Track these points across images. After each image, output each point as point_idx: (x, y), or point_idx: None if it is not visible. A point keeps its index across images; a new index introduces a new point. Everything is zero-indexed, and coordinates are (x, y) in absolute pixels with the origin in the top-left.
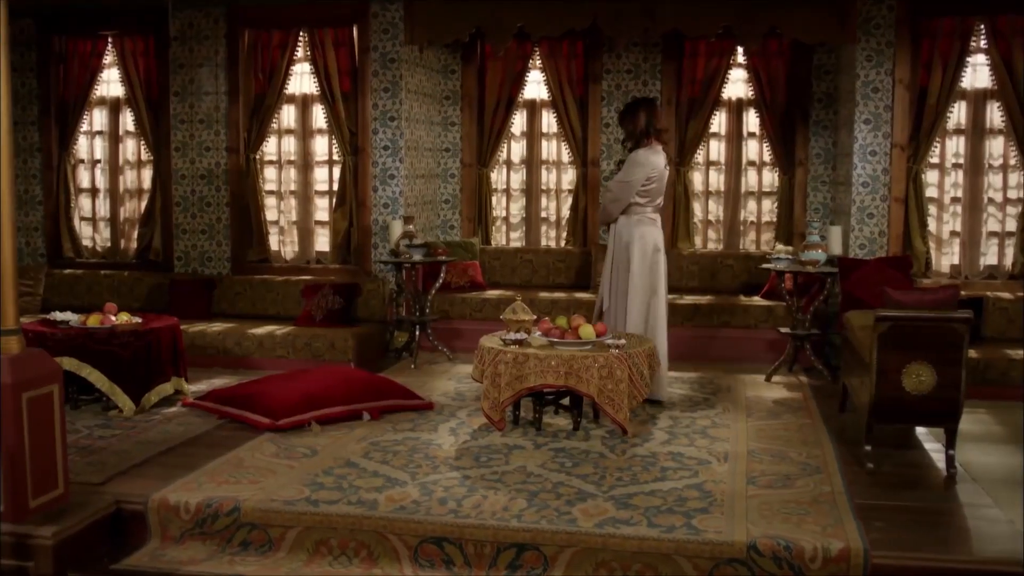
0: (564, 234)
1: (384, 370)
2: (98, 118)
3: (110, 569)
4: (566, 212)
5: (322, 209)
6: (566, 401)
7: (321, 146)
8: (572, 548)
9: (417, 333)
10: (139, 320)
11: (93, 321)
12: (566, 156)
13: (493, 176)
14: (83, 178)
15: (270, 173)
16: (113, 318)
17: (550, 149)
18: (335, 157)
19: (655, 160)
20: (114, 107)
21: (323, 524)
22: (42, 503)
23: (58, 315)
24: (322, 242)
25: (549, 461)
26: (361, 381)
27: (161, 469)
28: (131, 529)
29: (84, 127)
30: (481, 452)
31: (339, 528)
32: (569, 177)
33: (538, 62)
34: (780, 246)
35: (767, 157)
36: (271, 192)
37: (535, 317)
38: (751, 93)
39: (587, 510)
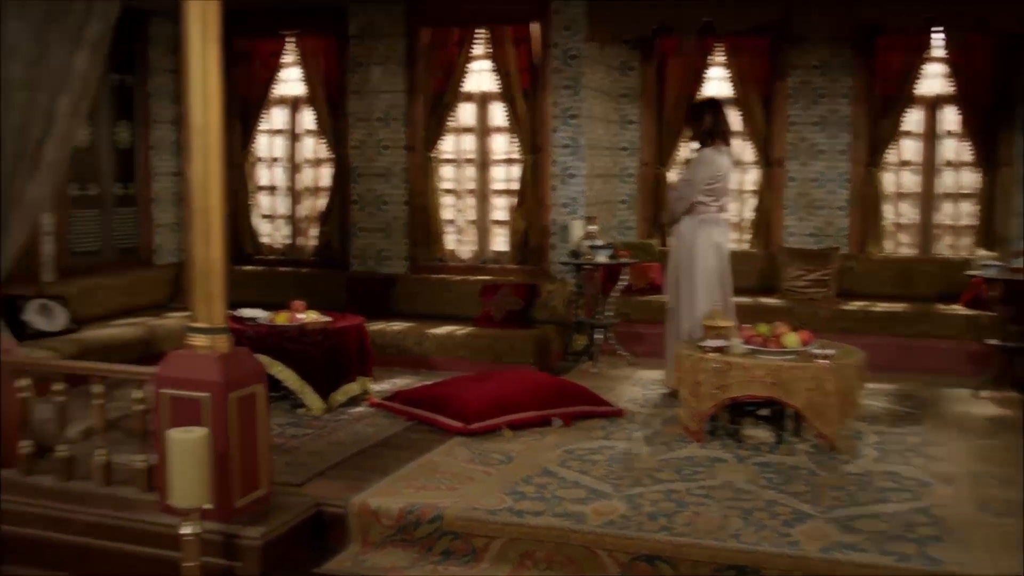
0: (747, 236)
1: (564, 374)
2: (278, 117)
3: (312, 573)
4: (748, 213)
5: (500, 208)
6: (765, 412)
7: (499, 144)
8: (797, 573)
9: (597, 336)
10: (329, 319)
11: (281, 319)
12: (749, 155)
13: (671, 176)
14: (262, 176)
15: (447, 171)
16: (302, 316)
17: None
18: (514, 155)
19: (720, 160)
20: (293, 106)
21: (528, 536)
22: (247, 503)
23: (246, 312)
24: (499, 242)
25: (756, 476)
26: (550, 386)
27: (356, 471)
28: (331, 532)
29: (264, 126)
30: (682, 464)
31: (545, 541)
32: (752, 177)
33: (720, 58)
34: (982, 251)
35: (966, 157)
36: (448, 191)
37: (735, 323)
38: (950, 88)
39: (808, 532)
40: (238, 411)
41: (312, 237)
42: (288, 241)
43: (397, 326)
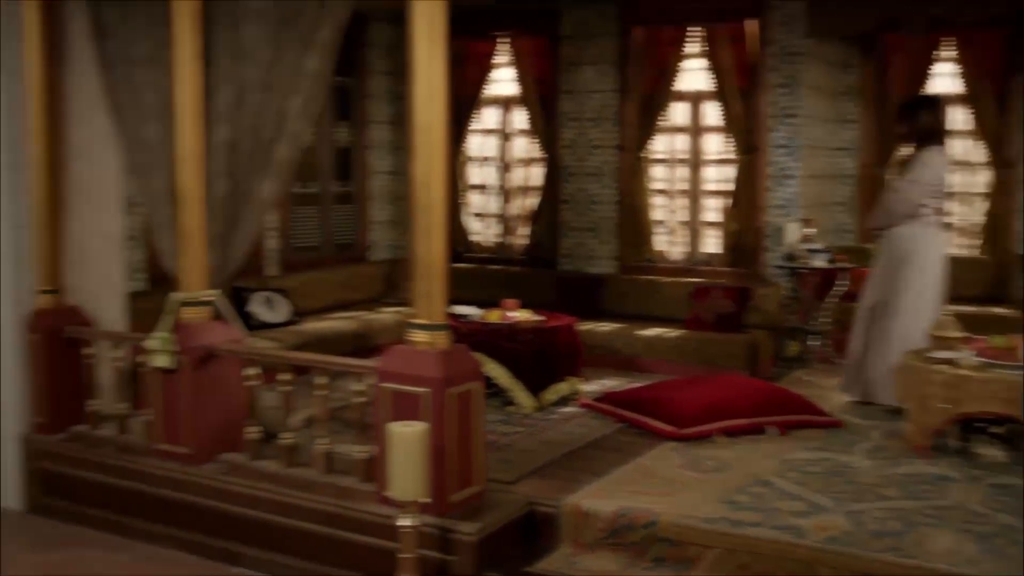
0: (976, 242)
1: (776, 381)
2: (490, 117)
3: (523, 572)
4: (977, 217)
5: (711, 209)
6: (999, 429)
7: (713, 144)
8: None
9: (811, 343)
10: (541, 318)
11: (493, 317)
12: (979, 156)
13: (888, 177)
14: (474, 175)
15: (658, 172)
16: (514, 314)
17: (960, 148)
18: (727, 156)
19: (942, 162)
20: (505, 106)
21: (746, 548)
22: (462, 499)
23: (459, 309)
24: (710, 243)
25: (991, 499)
26: (764, 393)
27: (567, 472)
28: (542, 532)
29: (475, 125)
30: (907, 481)
31: (764, 554)
32: (982, 179)
33: (948, 54)
34: None
35: None
36: (659, 191)
37: (966, 334)
38: None
39: None
40: (456, 407)
41: (522, 236)
42: (498, 239)
43: (606, 327)
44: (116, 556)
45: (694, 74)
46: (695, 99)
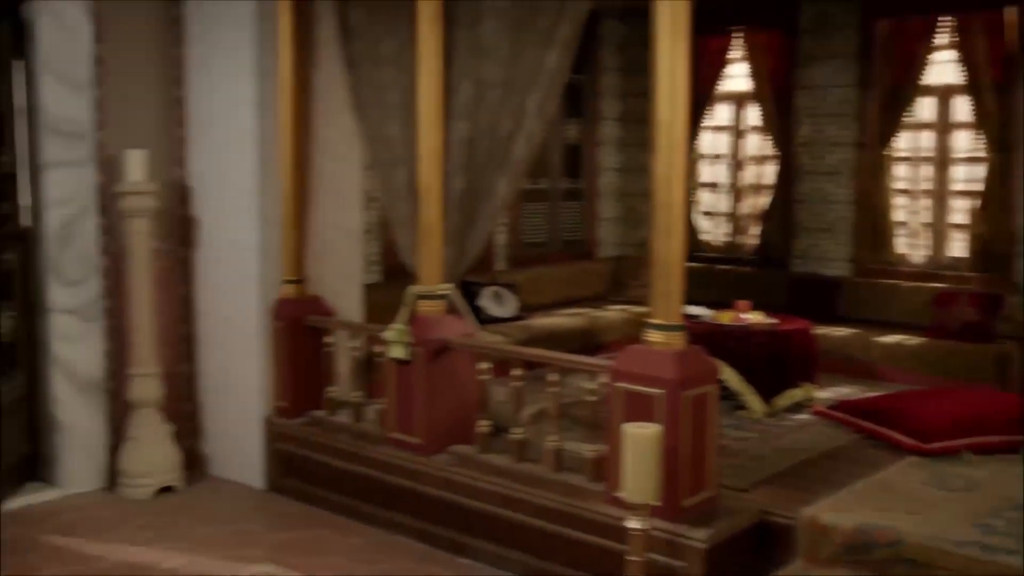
0: None
1: None
2: (722, 113)
3: None
4: None
5: (959, 211)
6: None
7: (962, 142)
8: None
9: None
10: (774, 320)
11: (725, 318)
12: None
13: None
14: (704, 173)
15: (901, 170)
16: (746, 316)
17: None
18: (978, 154)
19: None
20: (738, 102)
21: None
22: (693, 504)
23: (690, 309)
24: (956, 247)
25: None
26: (1020, 409)
27: (802, 481)
28: (775, 543)
29: (707, 122)
30: None
31: None
32: None
33: None
34: None
35: None
36: (901, 191)
37: None
38: None
39: None
40: (690, 410)
41: (752, 236)
42: (727, 239)
43: (840, 331)
44: (348, 539)
45: (943, 67)
46: (943, 93)
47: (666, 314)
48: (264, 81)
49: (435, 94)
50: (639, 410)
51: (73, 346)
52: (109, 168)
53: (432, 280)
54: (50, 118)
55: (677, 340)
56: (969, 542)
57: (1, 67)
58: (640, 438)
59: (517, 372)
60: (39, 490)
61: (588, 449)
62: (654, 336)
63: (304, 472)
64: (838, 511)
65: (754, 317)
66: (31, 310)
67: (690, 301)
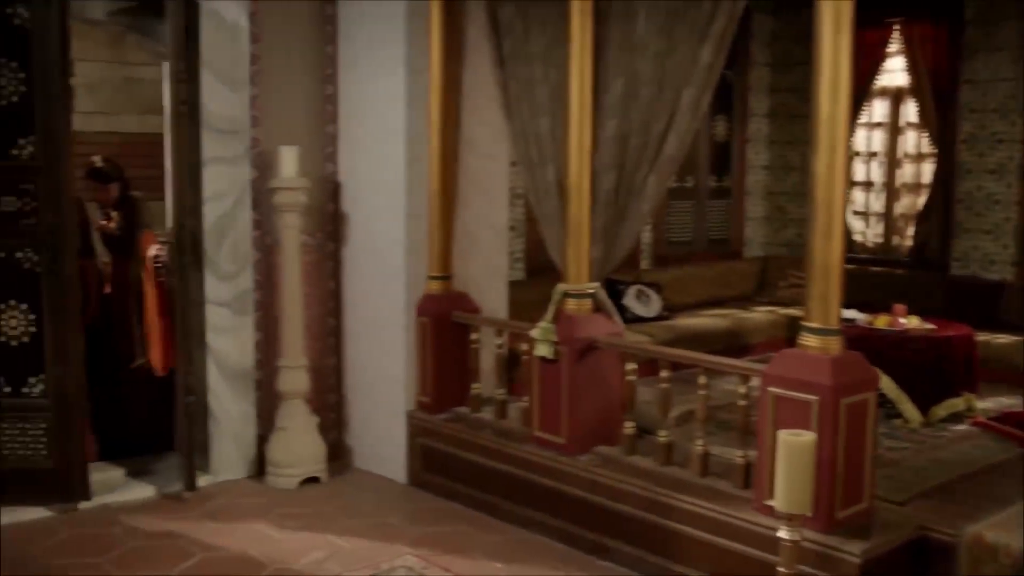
0: None
1: None
2: (877, 109)
3: None
4: None
5: None
6: None
7: None
8: None
9: None
10: (932, 326)
11: (881, 322)
12: None
13: None
14: (858, 171)
15: None
16: (903, 321)
17: None
18: None
19: None
20: (896, 98)
21: None
22: (847, 516)
23: (843, 312)
24: None
25: None
26: None
27: (963, 497)
28: (933, 560)
29: (863, 119)
30: None
31: None
32: None
33: None
34: None
35: None
36: None
37: None
38: None
39: None
40: (847, 418)
41: (908, 237)
42: (881, 240)
43: (1003, 338)
44: (489, 536)
45: None
46: None
47: (823, 318)
48: (414, 78)
49: (586, 91)
50: (793, 416)
51: (225, 338)
52: (262, 164)
53: (579, 278)
54: (209, 116)
55: (834, 345)
56: None
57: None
58: (795, 446)
59: (665, 374)
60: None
61: (738, 455)
62: (810, 340)
63: (446, 468)
64: (1005, 530)
65: (911, 322)
66: (186, 302)
67: (843, 304)
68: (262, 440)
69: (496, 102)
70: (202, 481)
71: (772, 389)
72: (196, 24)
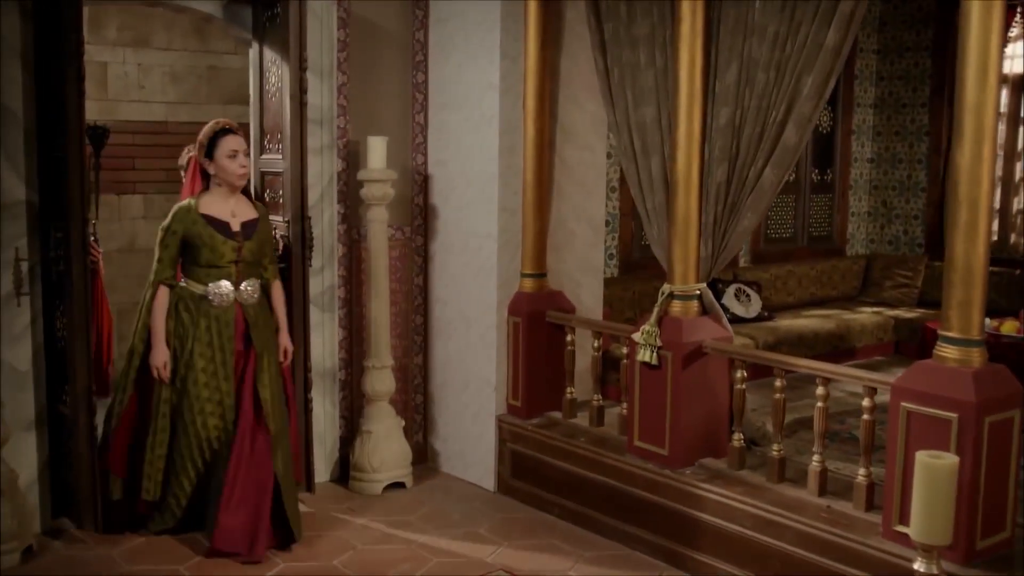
0: None
1: None
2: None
3: None
4: None
5: None
6: None
7: None
8: None
9: None
10: None
11: (1009, 328)
12: None
13: None
14: None
15: None
16: None
17: None
18: None
19: None
20: (1016, 86)
21: None
22: (988, 546)
23: None
24: None
25: None
26: None
27: None
28: None
29: None
30: None
31: None
32: None
33: None
34: None
35: None
36: None
37: None
38: None
39: None
40: (990, 438)
41: None
42: (996, 238)
43: None
44: (581, 551)
45: None
46: None
47: (964, 327)
48: (508, 64)
49: (697, 76)
50: (929, 435)
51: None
52: (349, 155)
53: (686, 278)
54: None
55: (977, 357)
56: None
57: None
58: (935, 469)
59: (779, 384)
60: None
61: (860, 473)
62: (948, 351)
63: (537, 475)
64: None
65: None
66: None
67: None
68: (345, 443)
69: (595, 90)
70: None
71: (905, 404)
72: (284, 9)
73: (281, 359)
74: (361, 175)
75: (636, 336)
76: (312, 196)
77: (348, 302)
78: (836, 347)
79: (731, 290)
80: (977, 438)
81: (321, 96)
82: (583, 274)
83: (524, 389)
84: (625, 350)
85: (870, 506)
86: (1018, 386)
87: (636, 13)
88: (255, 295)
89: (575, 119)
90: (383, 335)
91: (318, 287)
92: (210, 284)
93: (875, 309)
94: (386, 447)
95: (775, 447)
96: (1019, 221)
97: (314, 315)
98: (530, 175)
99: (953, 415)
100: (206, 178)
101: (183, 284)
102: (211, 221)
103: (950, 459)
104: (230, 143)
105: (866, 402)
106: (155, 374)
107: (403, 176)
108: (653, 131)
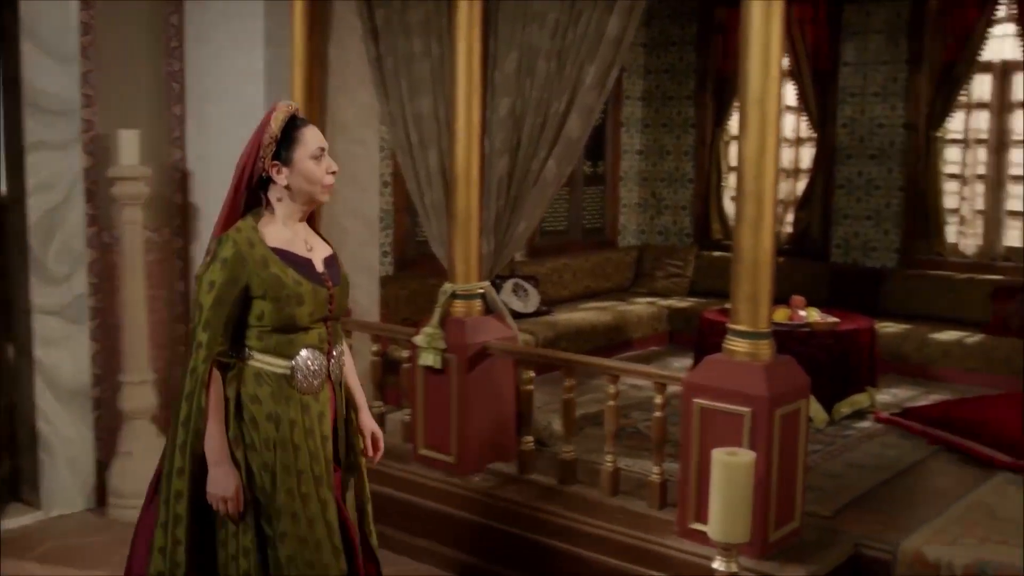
0: None
1: None
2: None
3: None
4: None
5: (1016, 197)
6: None
7: (1020, 123)
8: None
9: None
10: (835, 319)
11: (780, 316)
12: None
13: None
14: (734, 155)
15: (952, 154)
16: (803, 314)
17: None
18: None
19: None
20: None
21: None
22: (780, 537)
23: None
24: (1013, 236)
25: None
26: None
27: (890, 505)
28: None
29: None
30: None
31: None
32: None
33: None
34: None
35: None
36: (953, 176)
37: None
38: None
39: None
40: (781, 430)
41: (787, 223)
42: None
43: (891, 328)
44: None
45: (1002, 42)
46: (1002, 71)
47: (753, 320)
48: (274, 52)
49: (475, 66)
50: (721, 431)
51: (57, 351)
52: (98, 150)
53: (468, 277)
54: (32, 93)
55: (765, 350)
56: None
57: None
58: (733, 468)
59: (569, 383)
60: (19, 512)
61: (653, 471)
62: (738, 345)
63: None
64: (942, 543)
65: (811, 314)
66: (9, 310)
67: (720, 294)
68: (103, 467)
69: (367, 80)
70: (30, 518)
71: (698, 400)
72: None
73: (370, 453)
74: (112, 172)
75: (417, 339)
76: (55, 196)
77: (101, 312)
78: (612, 339)
79: (509, 285)
80: (769, 431)
81: (63, 84)
82: (357, 273)
83: None
84: (406, 353)
85: (664, 504)
86: (805, 377)
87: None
88: (343, 368)
89: (346, 111)
90: (139, 347)
91: (66, 296)
92: (296, 357)
93: (649, 300)
94: (147, 469)
95: (566, 448)
96: (779, 211)
97: (62, 328)
98: None
99: (746, 409)
100: (253, 196)
101: (253, 362)
102: (287, 258)
103: (746, 456)
104: (315, 137)
105: (658, 399)
106: (220, 509)
107: (160, 173)
108: (430, 123)
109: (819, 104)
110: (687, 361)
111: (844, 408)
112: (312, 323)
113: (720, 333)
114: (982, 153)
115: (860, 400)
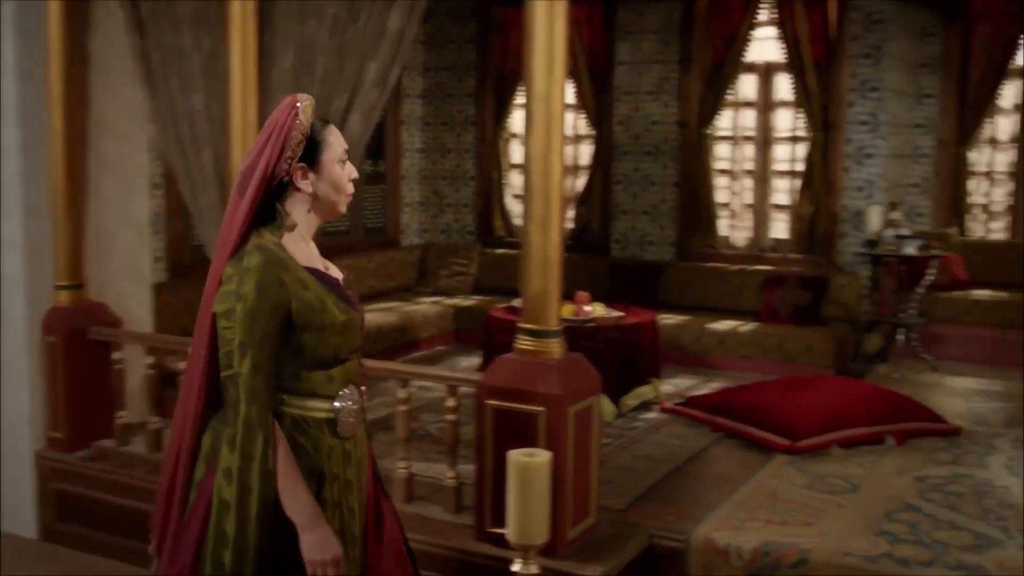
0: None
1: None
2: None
3: None
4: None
5: (781, 191)
6: None
7: (784, 121)
8: None
9: (899, 337)
10: (619, 313)
11: (566, 312)
12: None
13: (972, 156)
14: (515, 153)
15: (723, 150)
16: (588, 309)
17: None
18: (800, 133)
19: None
20: None
21: None
22: (577, 534)
23: (517, 302)
24: (779, 228)
25: None
26: (880, 398)
27: (679, 495)
28: (663, 570)
29: (520, 99)
30: None
31: None
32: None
33: None
34: None
35: None
36: (723, 171)
37: None
38: None
39: None
40: (575, 428)
41: (569, 219)
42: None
43: (671, 319)
44: None
45: (764, 43)
46: (765, 71)
47: (544, 318)
48: (26, 43)
49: (250, 62)
50: (516, 431)
51: None
52: None
53: None
54: None
55: (557, 348)
56: (880, 555)
57: None
58: (529, 469)
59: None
60: None
61: (448, 475)
62: (529, 343)
63: (89, 516)
64: (730, 528)
65: (596, 309)
66: None
67: (508, 291)
68: None
69: (132, 74)
70: None
71: (491, 402)
72: None
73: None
74: None
75: None
76: None
77: None
78: (399, 340)
79: None
80: (564, 430)
81: None
82: (128, 282)
83: (66, 418)
84: (183, 365)
85: (460, 508)
86: (596, 373)
87: None
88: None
89: (111, 108)
90: None
91: None
92: (337, 398)
93: (433, 299)
94: None
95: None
96: None
97: None
98: (60, 173)
99: (540, 409)
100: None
101: (288, 408)
102: (325, 281)
103: (543, 456)
104: (339, 139)
105: (450, 402)
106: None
107: None
108: (203, 122)
109: (596, 102)
110: (474, 360)
111: (631, 400)
112: (351, 355)
113: (507, 331)
114: (749, 149)
115: (645, 392)
